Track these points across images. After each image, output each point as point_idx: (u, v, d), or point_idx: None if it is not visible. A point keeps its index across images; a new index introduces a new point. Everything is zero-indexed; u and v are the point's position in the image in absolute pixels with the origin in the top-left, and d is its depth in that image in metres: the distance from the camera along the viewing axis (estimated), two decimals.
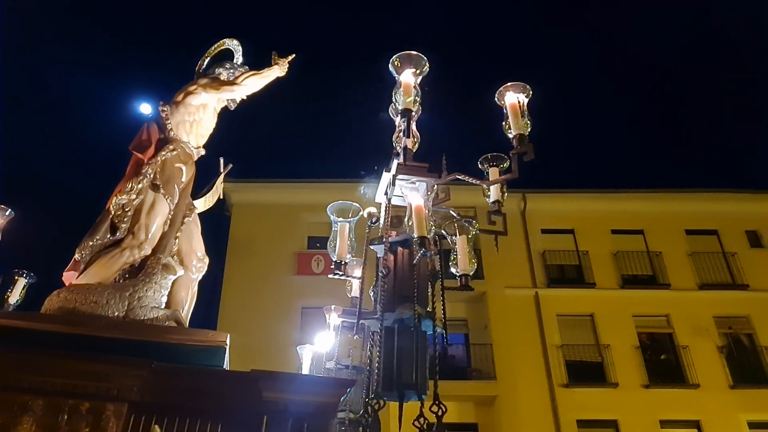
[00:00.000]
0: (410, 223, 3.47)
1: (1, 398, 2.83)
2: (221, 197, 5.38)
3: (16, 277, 5.37)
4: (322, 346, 5.42)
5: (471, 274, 3.83)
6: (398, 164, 3.74)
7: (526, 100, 3.79)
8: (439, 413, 3.25)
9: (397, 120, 3.73)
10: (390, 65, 3.68)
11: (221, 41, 5.21)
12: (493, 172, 4.10)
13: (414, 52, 3.71)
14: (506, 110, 3.74)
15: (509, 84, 3.78)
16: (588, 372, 16.73)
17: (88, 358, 3.03)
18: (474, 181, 3.79)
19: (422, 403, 3.35)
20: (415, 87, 3.67)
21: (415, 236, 3.40)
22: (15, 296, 5.31)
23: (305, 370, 5.22)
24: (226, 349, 3.58)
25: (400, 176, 3.68)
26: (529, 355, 16.54)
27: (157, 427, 2.89)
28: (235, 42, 5.27)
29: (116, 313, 3.61)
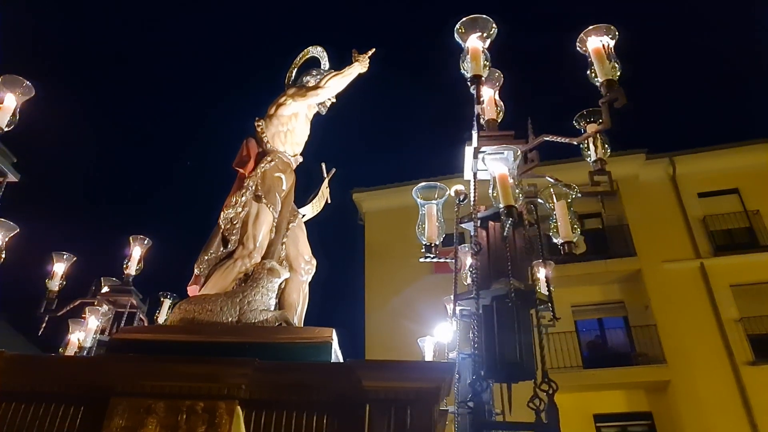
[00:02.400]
0: (495, 195, 3.27)
1: (129, 403, 3.10)
2: (329, 202, 5.48)
3: (162, 299, 5.98)
4: (444, 336, 5.34)
5: (575, 240, 3.52)
6: (479, 135, 3.56)
7: (612, 43, 3.42)
8: (550, 392, 3.02)
9: (472, 89, 3.54)
10: (455, 33, 3.52)
11: (305, 50, 5.34)
12: (591, 128, 3.76)
13: (479, 15, 3.52)
14: (590, 57, 3.40)
15: (590, 28, 3.45)
16: None
17: (199, 361, 3.22)
18: (563, 140, 3.49)
19: (535, 383, 3.13)
20: (483, 51, 3.47)
21: (501, 207, 3.20)
22: (162, 315, 5.91)
23: None
24: (331, 344, 3.62)
25: (483, 148, 3.50)
26: (703, 333, 14.91)
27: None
28: (320, 48, 5.38)
29: (230, 319, 3.81)
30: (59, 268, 5.44)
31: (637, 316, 15.67)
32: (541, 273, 4.88)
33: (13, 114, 4.02)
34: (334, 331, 3.74)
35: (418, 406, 3.02)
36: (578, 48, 3.44)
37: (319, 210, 5.41)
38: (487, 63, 3.45)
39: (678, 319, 14.98)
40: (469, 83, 3.39)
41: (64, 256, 5.48)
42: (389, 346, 13.53)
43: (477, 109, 3.43)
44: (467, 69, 3.41)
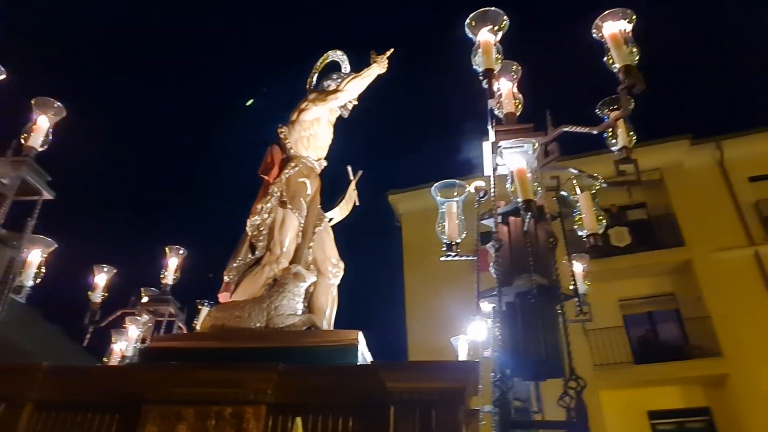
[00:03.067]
0: (513, 189, 3.21)
1: (160, 410, 3.18)
2: (357, 204, 5.48)
3: (200, 307, 6.11)
4: (477, 335, 5.27)
5: (600, 233, 3.42)
6: (497, 129, 3.50)
7: (629, 27, 3.31)
8: (578, 389, 2.93)
9: (485, 83, 3.48)
10: (466, 27, 3.48)
11: (325, 54, 5.37)
12: (613, 116, 3.65)
13: (490, 8, 3.46)
14: (606, 43, 3.30)
15: (606, 13, 3.35)
16: None
17: (224, 367, 3.28)
18: (583, 130, 3.39)
19: (565, 381, 3.05)
20: (495, 44, 3.41)
21: (520, 200, 3.14)
22: (201, 323, 6.03)
23: None
24: (357, 346, 3.62)
25: (501, 142, 3.44)
26: (761, 324, 14.18)
27: (299, 419, 2.99)
28: (339, 52, 5.41)
29: (258, 324, 3.86)
30: (101, 279, 5.63)
31: (690, 307, 15.09)
32: (577, 267, 4.77)
33: (46, 134, 4.19)
34: (360, 333, 3.74)
35: (443, 406, 2.98)
36: (594, 34, 3.34)
37: (348, 213, 5.41)
38: (500, 56, 3.39)
39: (733, 309, 14.35)
40: (481, 77, 3.34)
41: (105, 269, 5.67)
42: (431, 347, 13.41)
43: (491, 103, 3.37)
44: (479, 63, 3.36)
